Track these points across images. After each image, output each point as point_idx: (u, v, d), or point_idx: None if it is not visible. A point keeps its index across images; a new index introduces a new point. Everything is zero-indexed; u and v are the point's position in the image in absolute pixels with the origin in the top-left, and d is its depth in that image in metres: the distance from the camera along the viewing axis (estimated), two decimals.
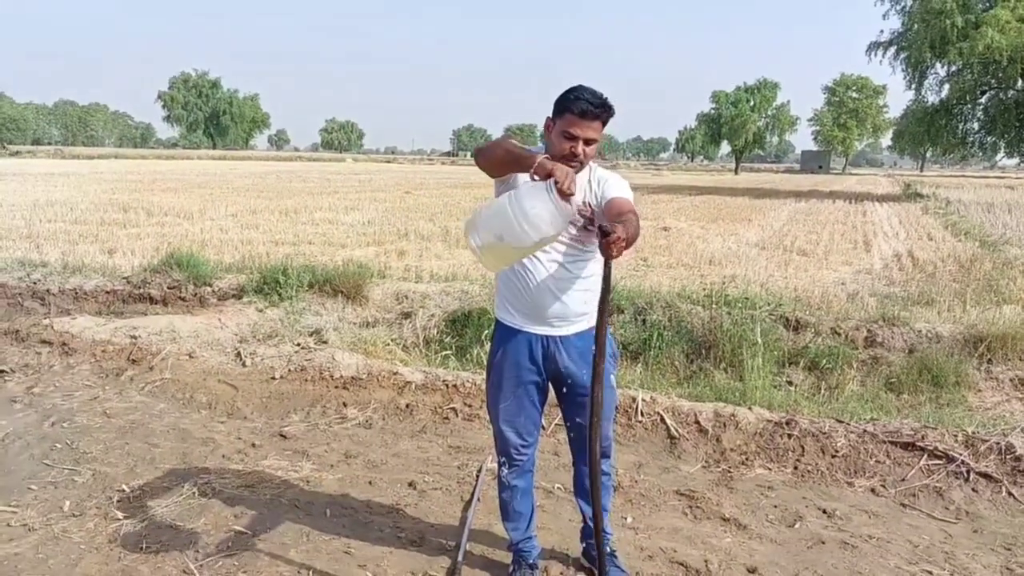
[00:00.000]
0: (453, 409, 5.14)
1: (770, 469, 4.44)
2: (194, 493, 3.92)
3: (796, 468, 4.42)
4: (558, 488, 4.09)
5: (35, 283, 8.35)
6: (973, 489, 4.13)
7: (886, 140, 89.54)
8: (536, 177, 2.40)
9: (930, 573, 3.36)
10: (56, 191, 22.34)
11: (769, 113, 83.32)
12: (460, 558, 3.32)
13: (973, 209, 23.01)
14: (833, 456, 4.43)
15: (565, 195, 2.34)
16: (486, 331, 6.30)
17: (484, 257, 2.49)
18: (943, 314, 7.29)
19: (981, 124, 37.35)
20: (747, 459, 4.52)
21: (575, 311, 2.80)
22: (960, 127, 37.82)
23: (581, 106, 2.57)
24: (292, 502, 3.87)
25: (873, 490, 4.20)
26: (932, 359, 5.99)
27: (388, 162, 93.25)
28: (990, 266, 10.99)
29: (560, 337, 2.83)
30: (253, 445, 4.64)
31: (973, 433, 4.40)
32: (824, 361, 6.12)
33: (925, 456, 4.31)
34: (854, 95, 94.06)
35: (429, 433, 4.93)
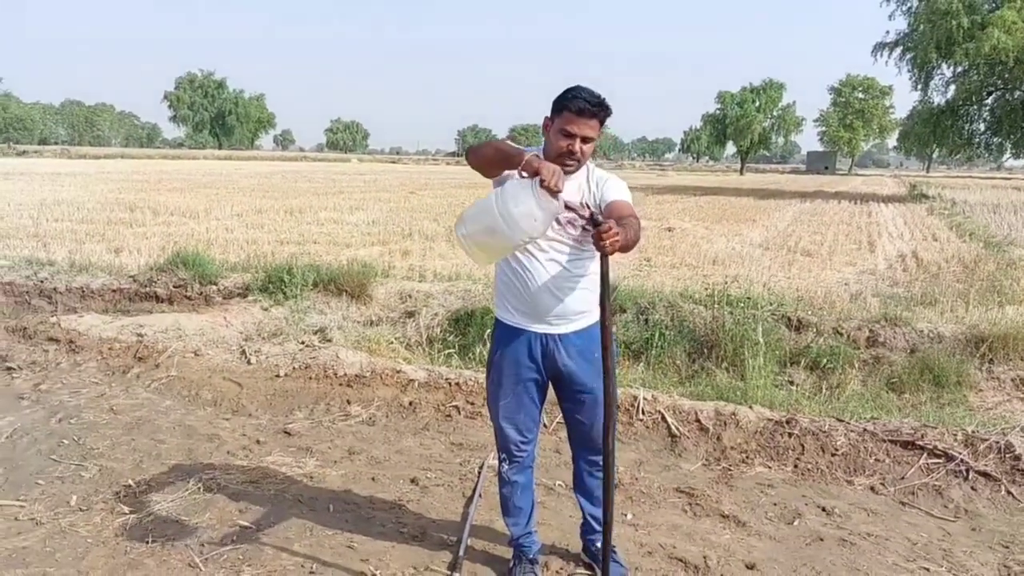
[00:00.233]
0: (456, 407, 5.18)
1: (770, 467, 4.47)
2: (199, 488, 3.96)
3: (796, 466, 4.45)
4: (559, 485, 4.13)
5: (42, 281, 8.41)
6: (972, 488, 4.15)
7: (892, 141, 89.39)
8: (524, 174, 2.43)
9: (927, 570, 3.39)
10: (63, 190, 22.44)
11: (775, 114, 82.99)
12: (461, 553, 3.36)
13: (979, 210, 22.98)
14: (833, 455, 4.46)
15: (552, 192, 2.37)
16: (488, 330, 6.34)
17: (472, 252, 2.54)
18: (946, 314, 7.31)
19: (987, 125, 37.27)
20: (747, 457, 4.55)
21: (574, 309, 2.84)
22: (966, 128, 37.74)
23: (578, 104, 2.61)
24: (296, 498, 3.91)
25: (872, 488, 4.23)
26: (934, 359, 6.01)
27: (393, 162, 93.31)
28: (994, 267, 11.00)
29: (559, 335, 2.86)
30: (258, 442, 4.68)
31: (973, 432, 4.42)
32: (826, 361, 6.14)
33: (925, 455, 4.34)
34: (860, 96, 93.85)
35: (432, 430, 4.97)
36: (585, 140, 2.67)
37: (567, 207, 2.60)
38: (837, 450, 4.46)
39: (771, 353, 6.04)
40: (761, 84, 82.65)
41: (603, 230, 2.28)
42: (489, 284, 7.57)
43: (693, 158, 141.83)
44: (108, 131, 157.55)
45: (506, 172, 2.61)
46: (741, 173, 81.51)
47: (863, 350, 6.41)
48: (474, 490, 4.03)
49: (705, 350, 6.43)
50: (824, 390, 5.88)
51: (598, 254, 2.45)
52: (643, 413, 4.92)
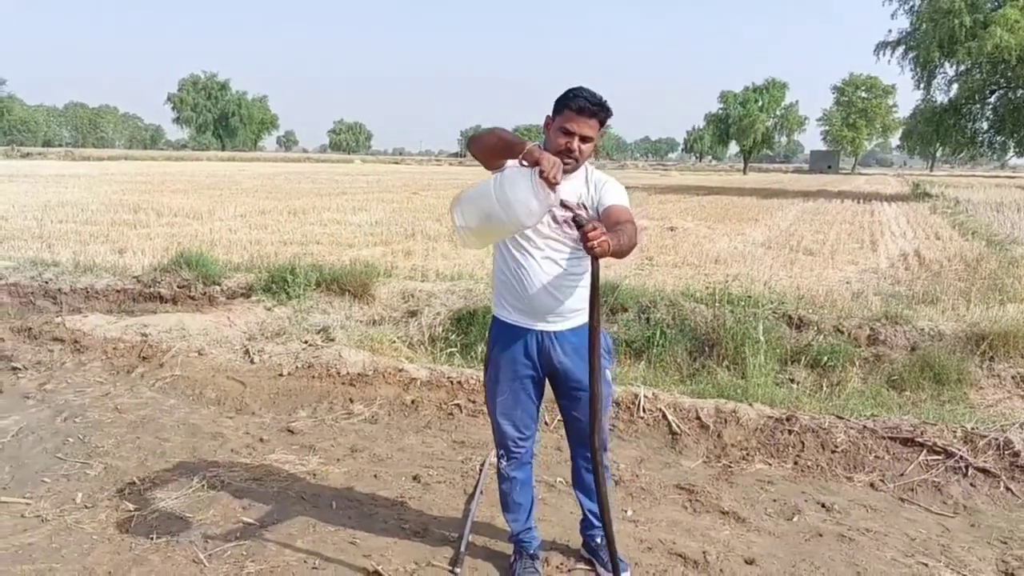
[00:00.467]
0: (457, 405, 5.21)
1: (770, 464, 4.50)
2: (203, 486, 4.00)
3: (796, 463, 4.48)
4: (559, 481, 4.16)
5: (47, 282, 8.46)
6: (971, 484, 4.18)
7: (895, 140, 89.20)
8: (524, 163, 2.45)
9: (926, 566, 3.41)
10: (67, 192, 22.51)
11: (778, 113, 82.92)
12: (462, 549, 3.39)
13: (982, 209, 22.95)
14: (833, 451, 4.48)
15: (550, 183, 2.39)
16: None
17: (464, 235, 2.55)
18: (947, 312, 7.32)
19: (990, 124, 37.23)
20: (747, 454, 4.58)
21: (569, 307, 2.87)
22: (969, 127, 37.67)
23: (579, 103, 2.64)
24: (299, 495, 3.94)
25: (872, 485, 4.25)
26: (934, 357, 6.03)
27: (396, 163, 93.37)
28: (995, 265, 11.00)
29: (555, 333, 2.89)
30: (261, 440, 4.72)
31: (972, 429, 4.44)
32: (826, 359, 6.16)
33: (924, 452, 4.36)
34: (863, 95, 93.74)
35: (434, 428, 5.00)
36: (584, 139, 2.70)
37: (564, 206, 2.63)
38: (837, 447, 4.49)
39: (772, 351, 6.07)
40: (764, 83, 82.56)
41: (587, 230, 2.29)
42: (491, 283, 7.59)
43: (696, 158, 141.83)
44: (112, 133, 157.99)
45: (507, 161, 2.64)
46: (744, 172, 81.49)
47: (864, 348, 6.43)
48: (475, 487, 4.06)
49: (706, 348, 6.46)
50: (825, 388, 5.90)
51: None
52: (644, 411, 4.94)
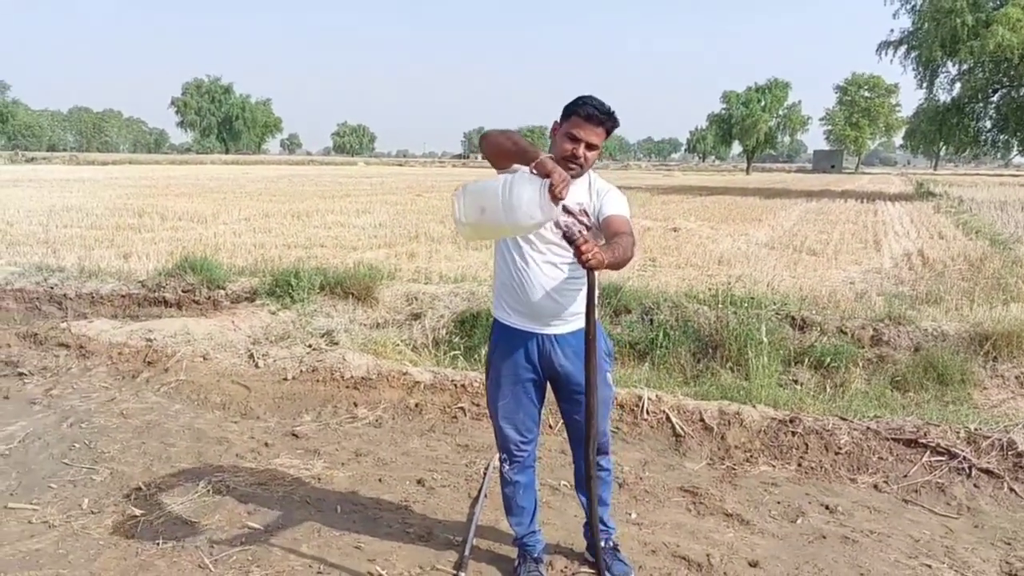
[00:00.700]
0: (461, 408, 5.23)
1: (774, 466, 4.50)
2: (208, 491, 4.01)
3: (800, 465, 4.48)
4: (564, 485, 4.17)
5: (52, 288, 8.49)
6: (975, 485, 4.18)
7: (899, 139, 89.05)
8: (535, 172, 2.48)
9: (930, 567, 3.42)
10: (72, 197, 22.57)
11: (780, 113, 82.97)
12: (467, 552, 3.40)
13: (986, 208, 22.93)
14: (836, 453, 4.49)
15: (555, 198, 2.41)
16: None
17: (461, 227, 2.56)
18: (950, 312, 7.32)
19: (993, 122, 37.20)
20: (751, 456, 4.58)
21: (570, 310, 2.88)
22: (972, 125, 37.64)
23: (588, 110, 2.68)
24: (304, 499, 3.96)
25: (875, 486, 4.25)
26: (938, 357, 6.03)
27: (400, 165, 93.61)
28: (999, 264, 10.99)
29: (555, 336, 2.91)
30: (266, 444, 4.74)
31: (975, 430, 4.44)
32: (830, 360, 6.16)
33: (927, 453, 4.36)
34: (866, 94, 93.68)
35: (438, 432, 5.01)
36: (590, 147, 2.73)
37: (566, 211, 2.65)
38: (840, 449, 4.49)
39: (775, 353, 6.07)
40: (766, 83, 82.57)
41: (578, 244, 2.31)
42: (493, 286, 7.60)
43: (699, 158, 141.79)
44: (116, 137, 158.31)
45: (515, 165, 2.65)
46: (747, 172, 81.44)
47: (867, 349, 6.43)
48: (479, 491, 4.08)
49: (710, 350, 6.47)
50: (828, 389, 5.91)
51: None
52: (648, 413, 4.95)
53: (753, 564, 3.39)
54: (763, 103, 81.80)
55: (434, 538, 3.59)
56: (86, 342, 6.35)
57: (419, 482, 4.21)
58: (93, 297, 8.30)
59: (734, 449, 4.64)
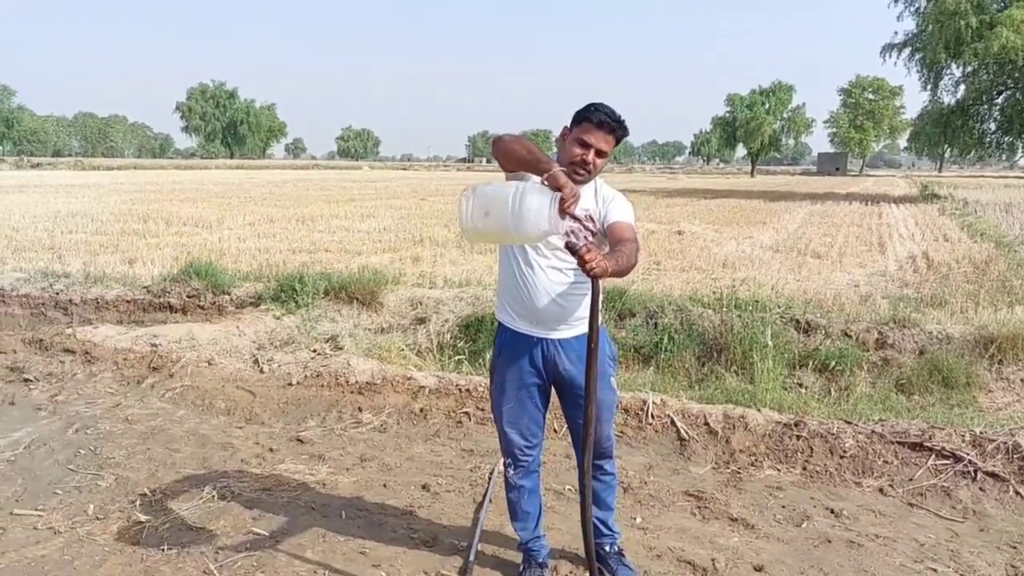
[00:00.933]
0: (466, 413, 5.23)
1: (779, 470, 4.50)
2: (213, 496, 4.02)
3: (805, 469, 4.48)
4: (568, 489, 4.17)
5: (58, 293, 8.52)
6: (980, 488, 4.17)
7: (903, 141, 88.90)
8: (546, 184, 2.48)
9: (935, 571, 3.41)
10: (77, 202, 22.63)
11: (784, 115, 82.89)
12: (472, 558, 3.40)
13: (991, 210, 22.86)
14: (841, 457, 4.48)
15: (563, 211, 2.42)
16: None
17: (466, 229, 2.57)
18: (955, 315, 7.30)
19: (998, 124, 37.13)
20: (756, 460, 4.58)
21: (575, 315, 2.88)
22: (977, 128, 37.60)
23: (599, 117, 2.70)
24: (309, 504, 3.96)
25: (881, 490, 4.24)
26: (943, 360, 6.03)
27: (404, 169, 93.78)
28: (1004, 267, 10.97)
29: (560, 340, 2.91)
30: (271, 449, 4.74)
31: (980, 433, 4.43)
32: (834, 363, 6.16)
33: (933, 456, 4.36)
34: (870, 96, 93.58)
35: (442, 437, 5.02)
36: (599, 154, 2.75)
37: (572, 216, 2.66)
38: (846, 452, 4.49)
39: (780, 356, 6.07)
40: (770, 86, 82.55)
41: (581, 254, 2.33)
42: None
43: (703, 161, 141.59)
44: (121, 142, 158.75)
45: (524, 172, 2.66)
46: (752, 175, 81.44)
47: (872, 352, 6.42)
48: (484, 495, 4.08)
49: (714, 353, 6.46)
50: (833, 392, 5.90)
51: None
52: (652, 417, 4.95)
53: (758, 568, 3.39)
54: (767, 106, 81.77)
55: (439, 543, 3.59)
56: (91, 348, 6.37)
57: (424, 487, 4.21)
58: (98, 303, 8.33)
59: (739, 453, 4.63)
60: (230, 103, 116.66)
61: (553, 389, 3.06)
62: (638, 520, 3.87)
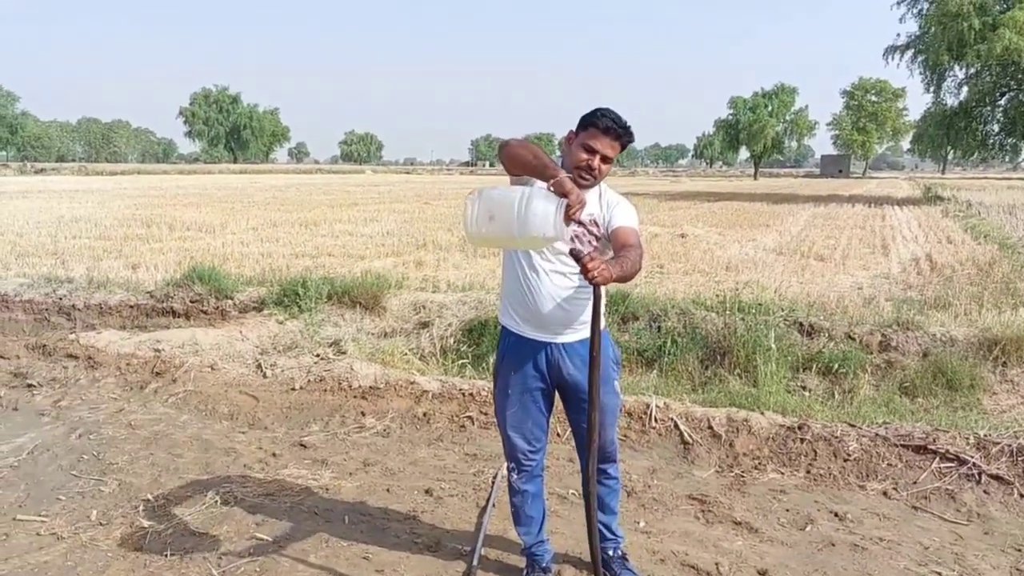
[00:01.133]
0: (469, 417, 5.23)
1: (783, 473, 4.49)
2: (217, 501, 4.02)
3: (809, 472, 4.47)
4: (572, 493, 4.16)
5: (61, 299, 8.52)
6: (984, 491, 4.16)
7: (906, 143, 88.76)
8: (552, 190, 2.49)
9: (939, 574, 3.40)
10: (80, 207, 22.68)
11: (787, 118, 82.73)
12: (475, 562, 3.40)
13: (994, 211, 22.84)
14: (845, 460, 4.47)
15: (569, 218, 2.43)
16: None
17: (470, 232, 2.57)
18: (959, 317, 7.28)
19: (1001, 126, 37.08)
20: (760, 463, 4.57)
21: (579, 319, 2.88)
22: (980, 129, 37.56)
23: (606, 123, 2.71)
24: (312, 509, 3.96)
25: (885, 493, 4.23)
26: (946, 363, 6.00)
27: (407, 173, 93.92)
28: (1008, 268, 10.94)
29: (564, 344, 2.91)
30: (274, 454, 4.74)
31: (985, 436, 4.42)
32: (838, 366, 6.13)
33: (937, 459, 4.35)
34: (873, 98, 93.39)
35: (446, 441, 5.01)
36: (605, 159, 2.76)
37: (576, 220, 2.66)
38: (849, 455, 4.48)
39: (783, 359, 6.06)
40: (773, 88, 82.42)
41: (585, 262, 2.33)
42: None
43: (707, 164, 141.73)
44: (124, 147, 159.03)
45: (528, 178, 2.66)
46: (755, 178, 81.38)
47: (876, 354, 6.40)
48: (488, 500, 4.07)
49: (718, 357, 6.45)
50: (836, 395, 5.88)
51: None
52: (656, 421, 4.94)
53: (762, 572, 3.38)
54: (770, 108, 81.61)
55: (442, 548, 3.58)
56: (94, 353, 6.37)
57: (427, 492, 4.21)
58: (101, 308, 8.33)
59: (742, 456, 4.63)
60: (233, 108, 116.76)
61: (557, 393, 3.05)
62: (642, 524, 3.86)
